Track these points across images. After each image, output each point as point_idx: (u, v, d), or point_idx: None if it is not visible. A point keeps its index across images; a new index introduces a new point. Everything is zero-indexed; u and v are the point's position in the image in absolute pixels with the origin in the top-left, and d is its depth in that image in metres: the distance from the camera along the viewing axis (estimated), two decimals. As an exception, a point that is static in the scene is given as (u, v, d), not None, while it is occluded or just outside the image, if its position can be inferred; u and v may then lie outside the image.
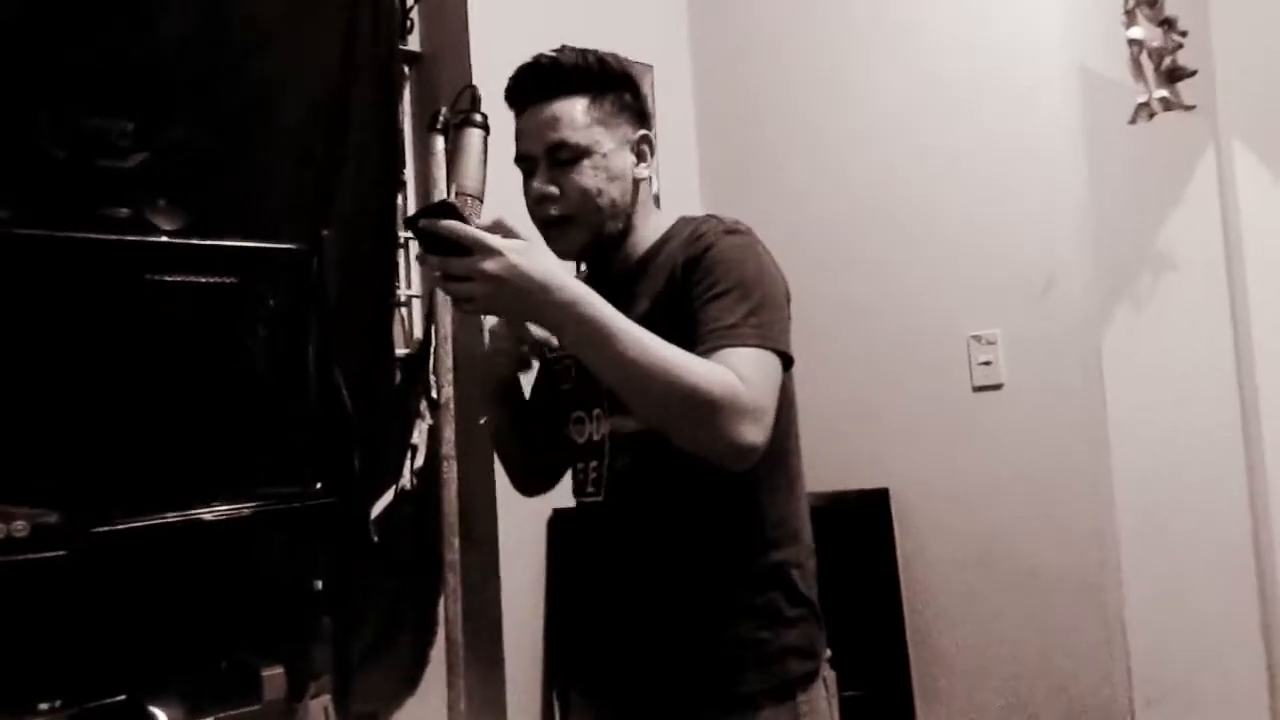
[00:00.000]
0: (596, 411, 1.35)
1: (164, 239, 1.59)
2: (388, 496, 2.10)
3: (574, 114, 1.31)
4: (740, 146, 2.65)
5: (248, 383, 1.63)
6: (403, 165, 2.23)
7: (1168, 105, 2.24)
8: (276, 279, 1.66)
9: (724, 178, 2.66)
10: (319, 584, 1.70)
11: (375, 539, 2.05)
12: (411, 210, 2.20)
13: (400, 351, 2.21)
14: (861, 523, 2.29)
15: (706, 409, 1.12)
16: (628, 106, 1.36)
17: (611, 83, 1.35)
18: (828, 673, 1.32)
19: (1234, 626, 2.52)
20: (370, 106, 2.14)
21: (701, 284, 1.23)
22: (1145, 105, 2.23)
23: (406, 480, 2.15)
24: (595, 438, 1.36)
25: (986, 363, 2.24)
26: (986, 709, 2.23)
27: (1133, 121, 2.24)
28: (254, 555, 1.68)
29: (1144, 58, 2.24)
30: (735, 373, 1.14)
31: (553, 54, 1.34)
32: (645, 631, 1.31)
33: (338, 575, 1.74)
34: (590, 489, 1.37)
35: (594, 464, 1.36)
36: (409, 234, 1.86)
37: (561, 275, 1.14)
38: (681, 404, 1.13)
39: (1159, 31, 2.26)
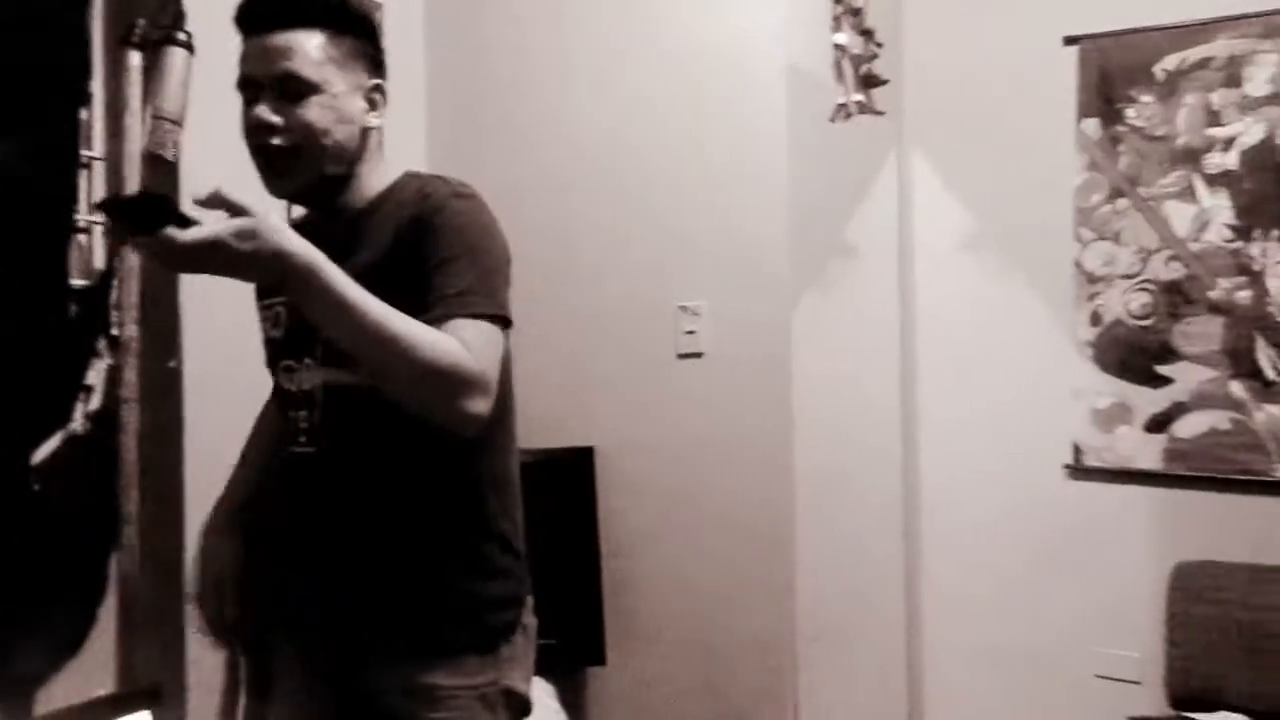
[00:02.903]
0: (307, 361, 1.34)
1: None
2: (53, 442, 1.93)
3: (309, 48, 1.28)
4: (469, 99, 2.64)
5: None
6: (88, 77, 2.02)
7: (862, 109, 2.48)
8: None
9: (451, 129, 2.64)
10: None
11: (35, 488, 1.89)
12: (97, 128, 1.99)
13: (77, 283, 2.02)
14: (567, 479, 2.40)
15: (434, 379, 1.15)
16: (365, 53, 1.34)
17: (351, 24, 1.33)
18: (529, 619, 1.39)
19: (883, 572, 2.88)
20: (52, 6, 1.92)
21: (429, 248, 1.24)
22: (844, 106, 2.45)
23: (78, 424, 1.98)
24: (306, 387, 1.34)
25: (691, 332, 2.40)
26: (672, 649, 2.42)
27: (832, 120, 2.46)
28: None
29: (845, 63, 2.45)
30: (463, 343, 1.17)
31: None
32: (356, 582, 1.33)
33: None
34: (302, 439, 1.35)
35: (304, 414, 1.35)
36: (106, 217, 1.71)
37: (295, 243, 1.12)
38: (411, 373, 1.15)
39: (860, 40, 2.48)
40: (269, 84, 1.27)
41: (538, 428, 2.30)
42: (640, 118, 2.46)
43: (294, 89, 1.27)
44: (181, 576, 2.04)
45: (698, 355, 2.40)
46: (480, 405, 1.18)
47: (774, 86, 2.35)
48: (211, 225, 1.09)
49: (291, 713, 1.43)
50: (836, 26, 2.45)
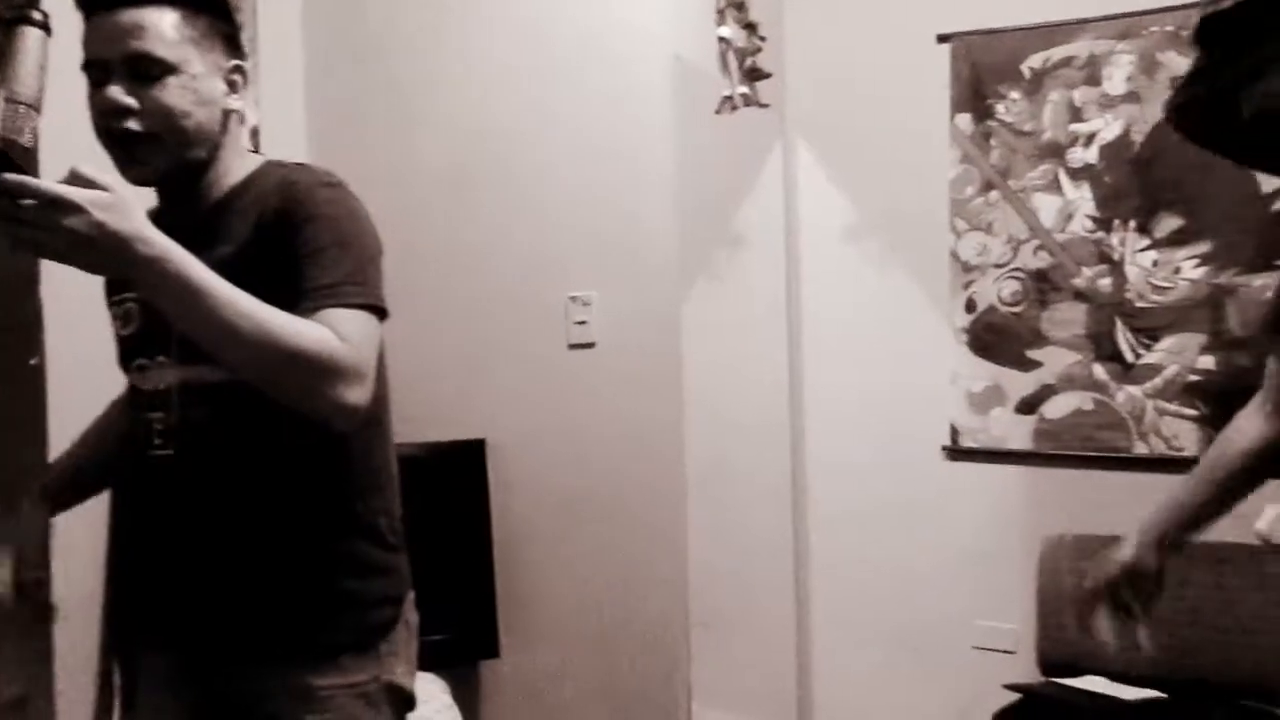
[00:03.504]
0: (160, 359, 1.28)
1: None
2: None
3: (163, 26, 1.21)
4: (350, 90, 2.58)
5: None
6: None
7: (747, 101, 2.53)
8: None
9: (332, 120, 2.57)
10: None
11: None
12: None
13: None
14: (458, 472, 2.37)
15: (307, 371, 1.11)
16: (222, 32, 1.28)
17: (206, 2, 1.27)
18: (410, 615, 1.37)
19: (772, 555, 2.95)
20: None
21: (298, 239, 1.20)
22: (729, 99, 2.49)
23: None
24: (161, 387, 1.28)
25: (582, 322, 2.41)
26: (566, 640, 2.43)
27: (718, 112, 2.50)
28: None
29: (730, 55, 2.50)
30: (336, 333, 1.13)
31: None
32: (225, 586, 1.28)
33: None
34: (158, 442, 1.29)
35: (160, 415, 1.29)
36: None
37: (149, 229, 1.06)
38: (281, 366, 1.11)
39: (744, 34, 2.53)
40: (120, 65, 1.20)
41: (428, 420, 2.27)
42: (527, 108, 2.44)
43: (150, 70, 1.20)
44: (48, 581, 1.94)
45: (589, 345, 2.41)
46: (358, 396, 1.14)
47: (661, 78, 2.36)
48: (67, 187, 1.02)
49: None
50: (721, 20, 2.49)
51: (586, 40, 2.40)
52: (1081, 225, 2.61)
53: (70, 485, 1.42)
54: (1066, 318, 2.64)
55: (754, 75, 2.54)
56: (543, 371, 2.43)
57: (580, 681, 2.41)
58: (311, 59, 2.59)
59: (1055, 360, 2.65)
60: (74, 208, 1.01)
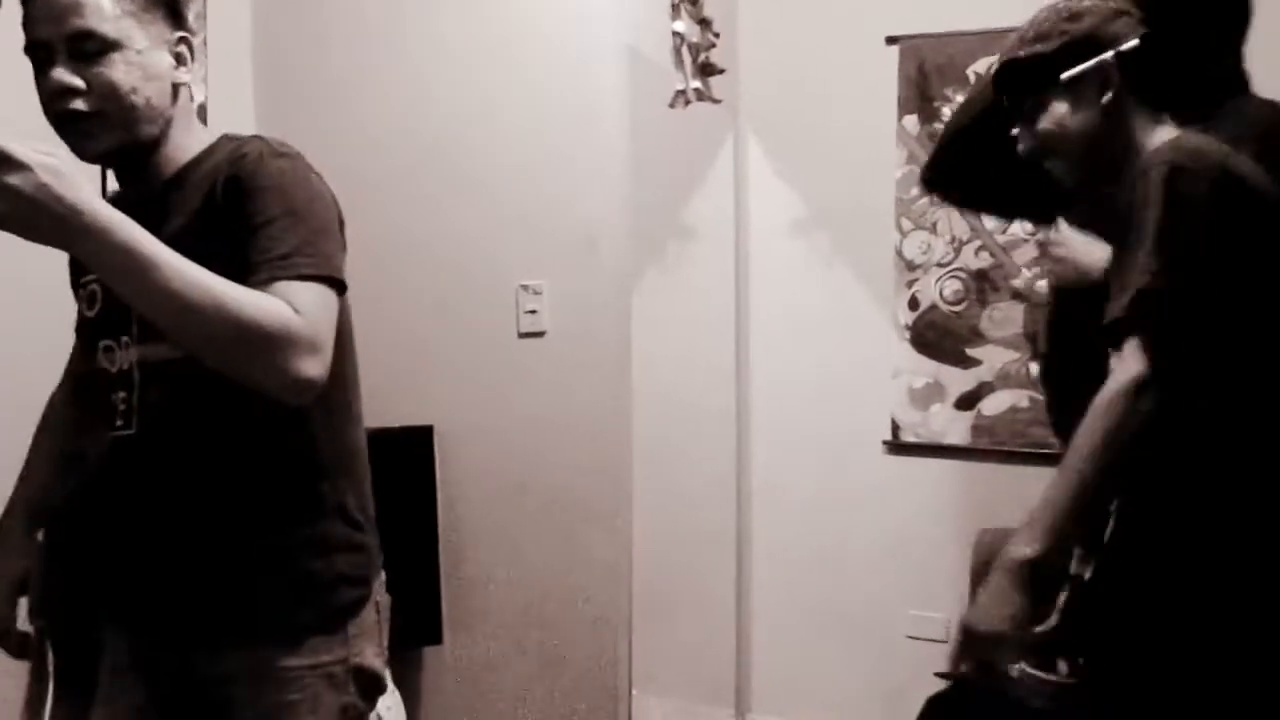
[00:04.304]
0: (124, 339, 1.27)
1: None
2: None
3: (101, 2, 1.19)
4: (299, 66, 2.55)
5: None
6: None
7: (700, 96, 2.55)
8: None
9: (280, 96, 2.55)
10: None
11: None
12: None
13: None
14: (405, 458, 2.38)
15: (260, 343, 1.08)
16: (163, 4, 1.26)
17: None
18: (381, 597, 1.37)
19: (715, 545, 2.99)
20: None
21: (249, 209, 1.18)
22: (682, 93, 2.51)
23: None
24: (124, 367, 1.28)
25: (532, 311, 2.42)
26: (510, 628, 2.45)
27: (671, 106, 2.52)
28: None
29: (684, 50, 2.52)
30: (290, 305, 1.11)
31: None
32: (188, 566, 1.27)
33: None
34: (120, 422, 1.29)
35: (123, 394, 1.29)
36: None
37: (95, 200, 1.03)
38: (233, 338, 1.08)
39: (698, 29, 2.55)
40: (62, 45, 1.18)
41: (376, 406, 2.25)
42: (480, 95, 2.44)
43: (92, 47, 1.18)
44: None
45: (539, 334, 2.42)
46: (312, 368, 1.12)
47: (613, 69, 2.37)
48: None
49: (122, 708, 1.37)
50: (675, 15, 2.51)
51: (539, 29, 2.40)
52: (1022, 227, 2.68)
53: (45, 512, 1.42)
54: (1006, 317, 2.72)
55: (707, 70, 2.56)
56: (493, 359, 2.44)
57: (522, 667, 2.43)
58: (259, 35, 2.55)
59: (994, 358, 2.73)
60: (19, 165, 0.97)
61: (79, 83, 1.19)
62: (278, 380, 1.11)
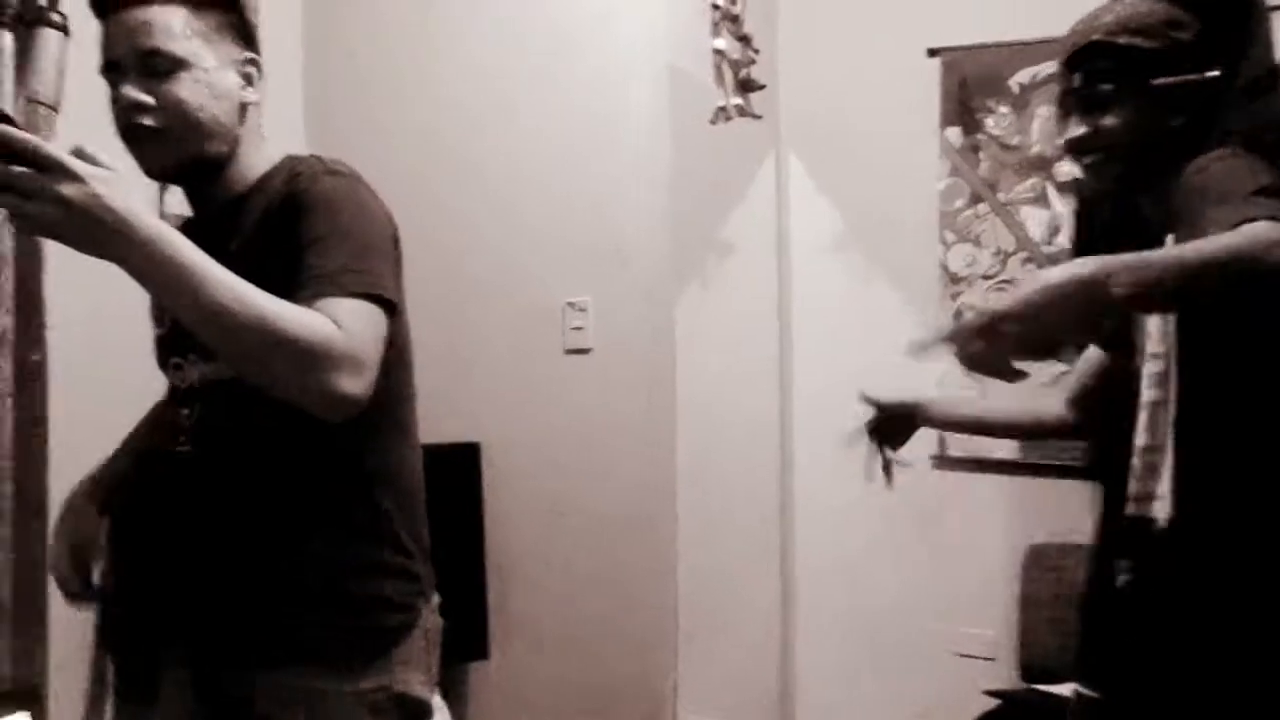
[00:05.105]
0: (191, 356, 1.30)
1: None
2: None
3: (171, 22, 1.23)
4: (346, 104, 2.62)
5: None
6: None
7: (741, 112, 2.56)
8: None
9: (328, 129, 2.60)
10: None
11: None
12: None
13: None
14: (452, 474, 2.40)
15: (301, 358, 1.08)
16: (232, 25, 1.29)
17: None
18: (432, 623, 1.35)
19: (758, 561, 2.98)
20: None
21: (300, 227, 1.19)
22: (723, 109, 2.52)
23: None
24: (189, 384, 1.31)
25: (578, 328, 2.43)
26: (554, 643, 2.45)
27: (713, 122, 2.53)
28: None
29: (725, 67, 2.53)
30: (334, 321, 1.11)
31: None
32: (234, 587, 1.28)
33: None
34: (182, 439, 1.31)
35: (187, 412, 1.31)
36: None
37: (144, 212, 1.04)
38: (274, 353, 1.08)
39: (739, 45, 2.56)
40: (133, 63, 1.22)
41: (423, 423, 2.29)
42: (524, 115, 2.47)
43: (162, 65, 1.22)
44: (45, 576, 1.95)
45: (585, 351, 2.43)
46: (352, 385, 1.10)
47: (655, 88, 2.38)
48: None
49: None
50: (715, 32, 2.52)
51: (581, 50, 2.43)
52: (1068, 238, 2.66)
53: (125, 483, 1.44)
54: (1052, 329, 2.68)
55: (748, 87, 2.57)
56: (539, 376, 2.46)
57: (567, 684, 2.44)
58: (309, 77, 2.61)
59: (1042, 370, 2.69)
60: (73, 175, 0.99)
61: (147, 99, 1.22)
62: (317, 396, 1.10)
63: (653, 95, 2.39)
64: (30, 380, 1.86)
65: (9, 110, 1.73)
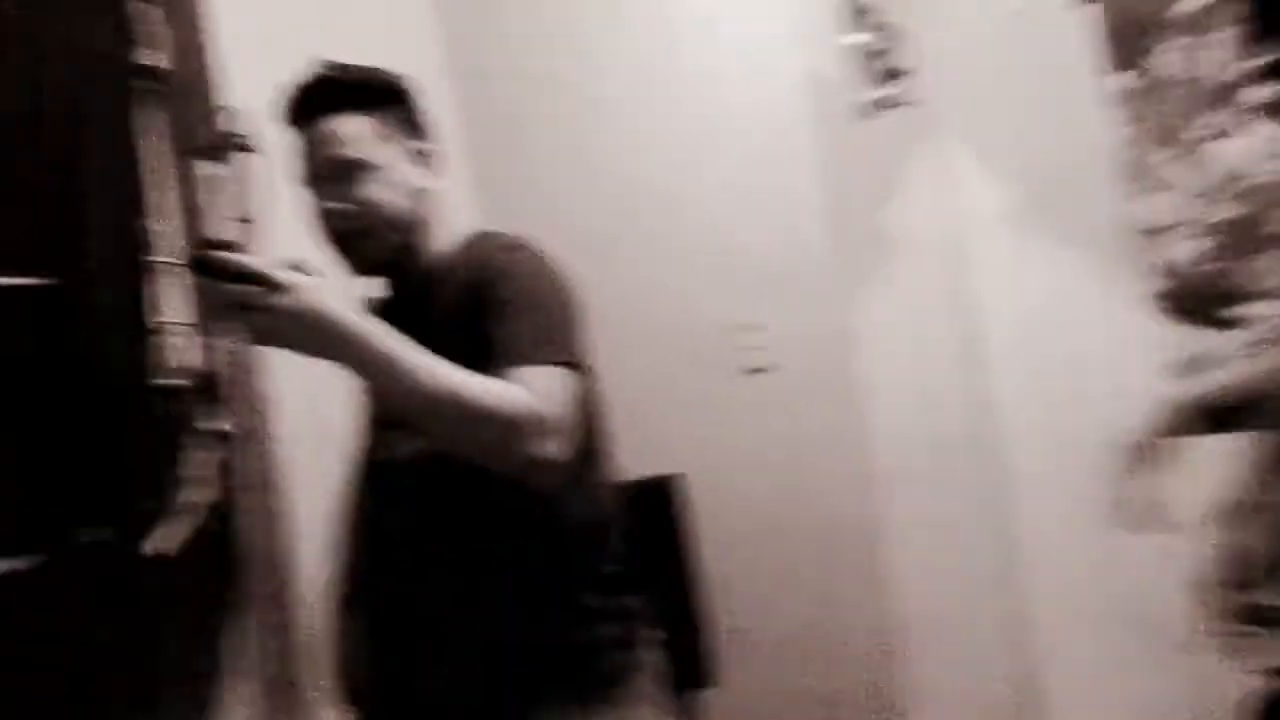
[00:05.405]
0: (397, 431, 1.37)
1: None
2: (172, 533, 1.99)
3: (359, 132, 1.33)
4: (503, 148, 2.71)
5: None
6: (154, 191, 2.12)
7: (890, 103, 2.49)
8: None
9: (492, 175, 2.69)
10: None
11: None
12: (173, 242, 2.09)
13: (166, 382, 2.09)
14: (657, 507, 2.40)
15: (502, 429, 1.15)
16: (408, 119, 1.39)
17: (391, 96, 1.38)
18: (649, 657, 1.38)
19: (978, 557, 2.83)
20: (111, 129, 2.02)
21: (489, 303, 1.27)
22: (871, 103, 2.47)
23: (196, 516, 2.05)
24: (397, 456, 1.38)
25: (755, 348, 2.41)
26: (782, 664, 2.42)
27: (862, 118, 2.47)
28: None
29: (864, 61, 2.47)
30: (528, 389, 1.17)
31: (330, 70, 1.35)
32: (451, 650, 1.33)
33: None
34: (394, 512, 1.38)
35: (394, 485, 1.39)
36: (193, 268, 1.78)
37: (350, 312, 1.15)
38: (477, 427, 1.16)
39: (875, 36, 2.51)
40: (325, 171, 1.33)
41: (621, 458, 2.32)
42: (681, 144, 2.50)
43: (349, 172, 1.33)
44: (297, 659, 2.07)
45: (765, 370, 2.41)
46: (550, 448, 1.17)
47: (797, 98, 2.37)
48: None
49: None
50: (849, 27, 2.48)
51: (723, 69, 2.44)
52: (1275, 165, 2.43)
53: None
54: (1269, 267, 2.46)
55: (891, 75, 2.51)
56: (722, 399, 2.45)
57: (800, 698, 2.39)
58: (472, 128, 2.72)
59: (1263, 313, 2.47)
60: (284, 287, 1.10)
61: (343, 205, 1.31)
62: (521, 462, 1.17)
63: (795, 106, 2.37)
64: (267, 472, 2.00)
65: (226, 234, 1.89)
